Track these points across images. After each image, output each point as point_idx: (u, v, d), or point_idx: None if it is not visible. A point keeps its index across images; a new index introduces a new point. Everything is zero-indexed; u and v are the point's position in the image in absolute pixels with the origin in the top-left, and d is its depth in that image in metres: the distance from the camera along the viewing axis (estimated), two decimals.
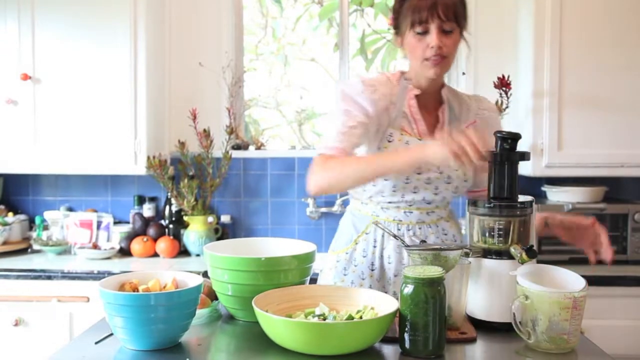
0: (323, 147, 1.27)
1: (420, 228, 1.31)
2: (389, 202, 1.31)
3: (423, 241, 1.29)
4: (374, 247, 1.33)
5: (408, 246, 1.14)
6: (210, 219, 2.25)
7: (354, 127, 1.24)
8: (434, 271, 0.98)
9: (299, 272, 1.14)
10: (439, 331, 0.97)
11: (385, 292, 1.19)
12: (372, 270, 1.32)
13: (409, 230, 1.31)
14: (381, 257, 1.32)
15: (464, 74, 2.30)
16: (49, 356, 0.97)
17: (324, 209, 2.34)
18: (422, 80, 1.29)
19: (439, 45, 1.21)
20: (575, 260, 2.03)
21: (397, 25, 1.29)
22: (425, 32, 1.22)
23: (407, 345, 0.97)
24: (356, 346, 0.96)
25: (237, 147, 2.36)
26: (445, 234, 1.34)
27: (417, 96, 1.29)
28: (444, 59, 1.23)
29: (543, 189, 2.19)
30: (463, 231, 2.16)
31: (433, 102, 1.32)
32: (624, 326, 1.88)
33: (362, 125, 1.25)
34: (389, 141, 1.27)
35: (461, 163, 1.06)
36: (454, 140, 1.06)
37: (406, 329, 0.97)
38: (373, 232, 1.33)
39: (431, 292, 0.96)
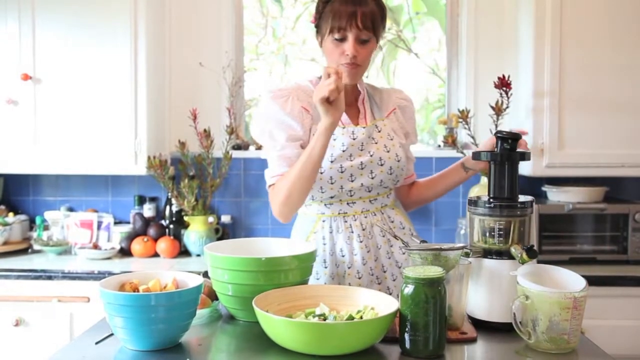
0: (269, 179, 1.33)
1: (365, 217, 1.34)
2: (331, 197, 1.34)
3: (424, 241, 1.30)
4: (324, 244, 1.35)
5: (408, 246, 1.14)
6: (211, 219, 2.25)
7: (284, 148, 1.29)
8: (435, 271, 0.98)
9: (299, 272, 1.15)
10: (440, 331, 0.97)
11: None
12: (325, 267, 1.35)
13: (355, 220, 1.34)
14: (332, 253, 1.35)
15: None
16: (49, 356, 0.98)
17: None
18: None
19: (354, 54, 1.26)
20: (575, 261, 2.04)
21: (318, 25, 1.34)
22: (342, 39, 1.27)
23: (407, 345, 0.98)
24: (356, 346, 0.96)
25: (237, 147, 2.36)
26: (392, 221, 1.37)
27: None
28: (358, 67, 1.29)
29: (543, 189, 2.19)
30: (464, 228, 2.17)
31: (351, 96, 1.38)
32: (625, 326, 1.88)
33: (290, 140, 1.29)
34: None
35: (331, 96, 1.13)
36: (317, 91, 1.15)
37: (406, 329, 0.97)
38: (321, 230, 1.36)
39: (432, 292, 0.96)
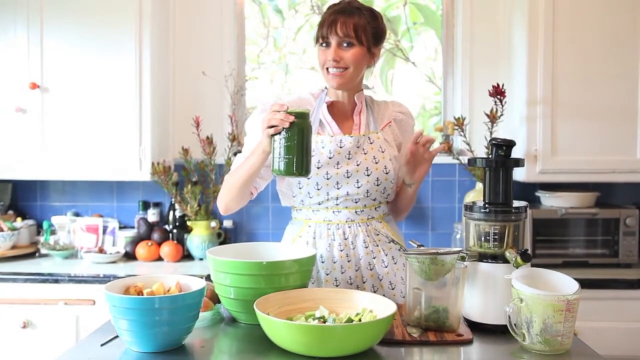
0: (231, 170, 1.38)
1: (349, 227, 1.37)
2: (319, 204, 1.37)
3: (421, 245, 1.32)
4: None
5: (405, 251, 1.16)
6: (213, 223, 2.27)
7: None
8: (304, 109, 1.16)
9: (299, 275, 1.16)
10: (304, 155, 1.14)
11: None
12: None
13: (338, 229, 1.37)
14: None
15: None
16: (55, 358, 0.99)
17: None
18: (332, 89, 1.40)
19: (334, 58, 1.32)
20: (568, 264, 2.06)
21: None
22: (327, 45, 1.34)
23: (279, 167, 1.14)
24: (355, 348, 0.98)
25: (239, 154, 2.39)
26: (377, 234, 1.38)
27: (333, 103, 1.41)
28: (345, 70, 1.34)
29: (537, 194, 2.21)
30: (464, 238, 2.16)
31: (347, 107, 1.42)
32: (616, 328, 1.90)
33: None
34: None
35: (274, 129, 1.17)
36: (263, 121, 1.19)
37: (279, 154, 1.15)
38: (306, 235, 1.38)
39: (299, 124, 1.14)
